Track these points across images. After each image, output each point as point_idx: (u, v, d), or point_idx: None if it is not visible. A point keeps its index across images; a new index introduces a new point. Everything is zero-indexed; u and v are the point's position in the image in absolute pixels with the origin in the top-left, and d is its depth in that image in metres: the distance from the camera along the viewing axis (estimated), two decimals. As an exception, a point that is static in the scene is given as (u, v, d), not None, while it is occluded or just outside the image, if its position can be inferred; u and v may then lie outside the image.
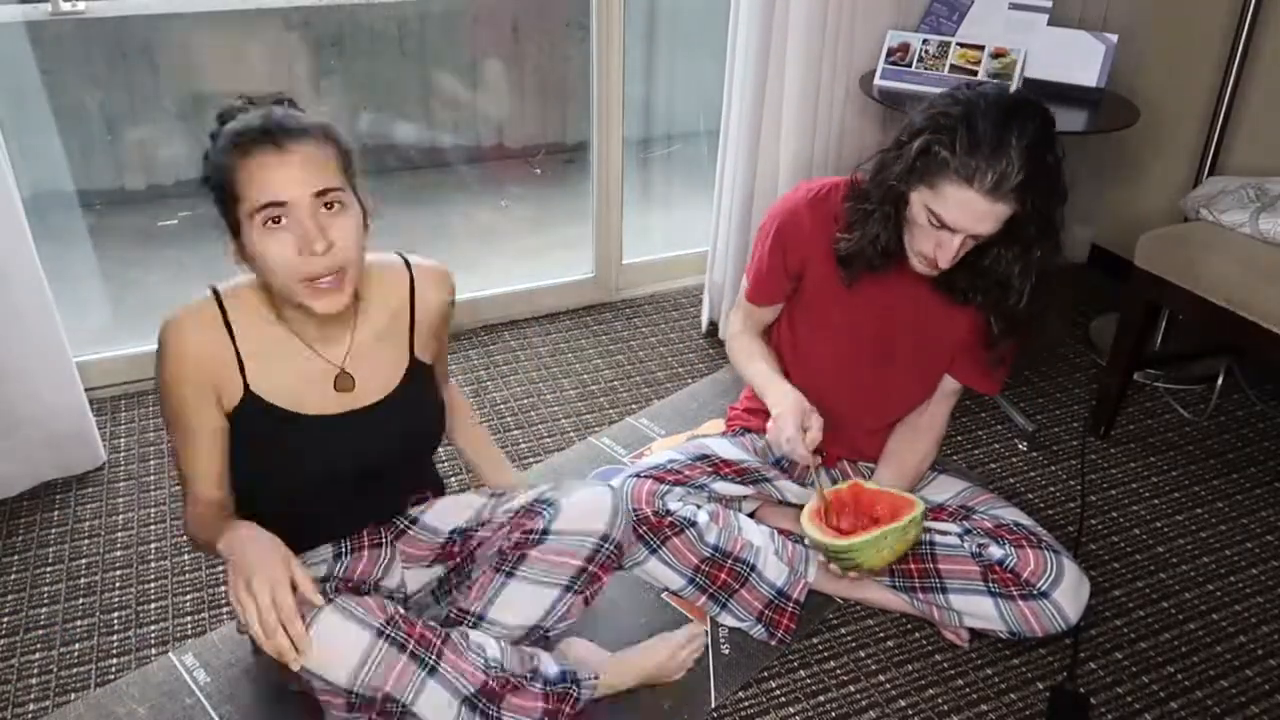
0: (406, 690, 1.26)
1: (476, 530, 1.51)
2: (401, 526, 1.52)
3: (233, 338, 1.29)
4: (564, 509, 1.44)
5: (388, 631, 1.26)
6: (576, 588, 1.42)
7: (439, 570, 1.54)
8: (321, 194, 1.20)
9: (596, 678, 1.46)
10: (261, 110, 1.24)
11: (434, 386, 1.49)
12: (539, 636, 1.45)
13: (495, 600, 1.42)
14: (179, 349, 1.27)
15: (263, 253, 1.21)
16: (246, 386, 1.30)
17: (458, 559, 1.52)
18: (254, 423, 1.32)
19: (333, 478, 1.39)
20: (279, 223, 1.19)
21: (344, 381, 1.36)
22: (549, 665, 1.42)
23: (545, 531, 1.42)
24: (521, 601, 1.41)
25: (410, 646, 1.27)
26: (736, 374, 2.36)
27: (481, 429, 1.75)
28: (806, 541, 1.63)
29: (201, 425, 1.30)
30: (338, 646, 1.23)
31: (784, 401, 1.61)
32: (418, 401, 1.44)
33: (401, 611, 1.30)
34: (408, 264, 1.43)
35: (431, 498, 1.56)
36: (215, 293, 1.31)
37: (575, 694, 1.41)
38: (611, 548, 1.44)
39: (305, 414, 1.34)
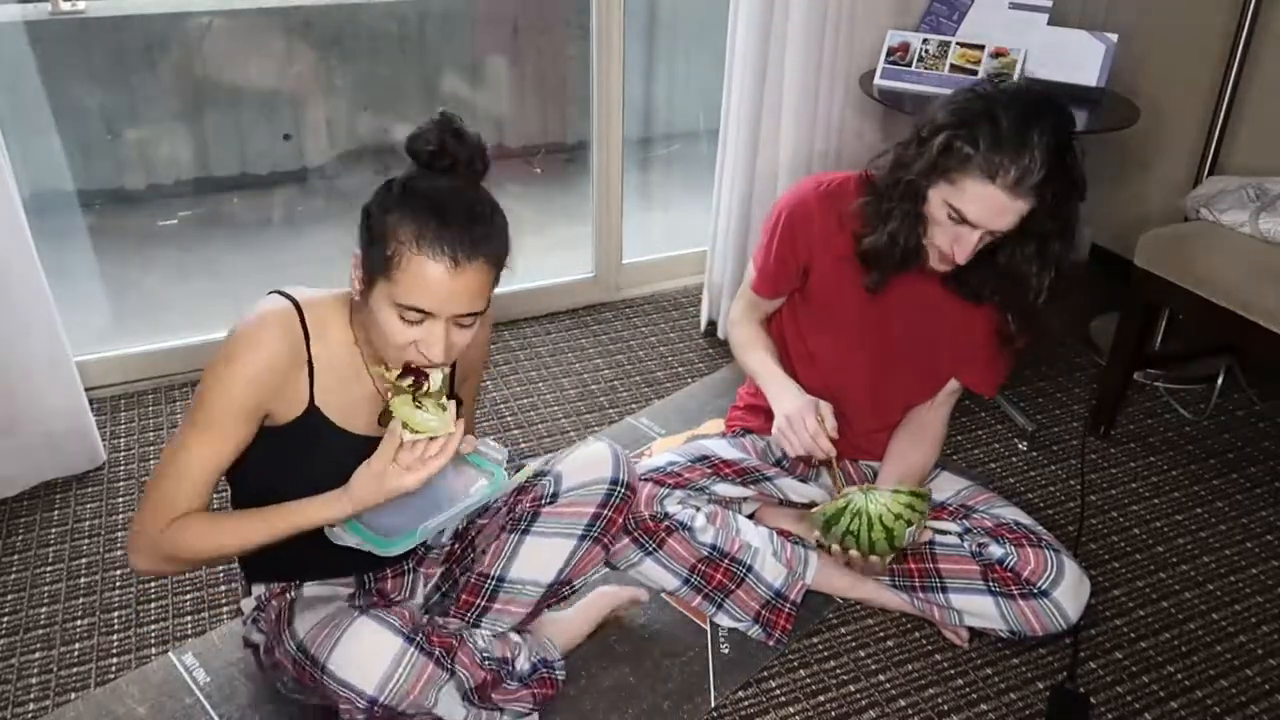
0: (430, 694, 1.29)
1: (475, 521, 1.52)
2: (421, 553, 1.54)
3: (309, 351, 1.27)
4: (566, 470, 1.45)
5: (417, 639, 1.29)
6: (594, 534, 1.44)
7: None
8: (464, 316, 1.19)
9: (565, 658, 1.53)
10: (458, 201, 1.16)
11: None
12: (564, 593, 1.48)
13: (514, 559, 1.43)
14: (258, 353, 1.22)
15: (384, 326, 1.18)
16: (312, 399, 1.28)
17: (460, 552, 1.53)
18: (308, 434, 1.29)
19: None
20: (414, 322, 1.17)
21: (388, 417, 1.30)
22: (523, 661, 1.45)
23: (555, 495, 1.44)
24: (540, 556, 1.43)
25: (435, 653, 1.30)
26: (736, 371, 2.37)
27: None
28: (813, 530, 1.61)
29: (236, 434, 1.25)
30: (369, 655, 1.25)
31: (791, 398, 1.61)
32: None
33: (424, 620, 1.34)
34: None
35: None
36: (294, 302, 1.27)
37: (552, 676, 1.49)
38: (623, 490, 1.45)
39: (355, 433, 1.32)
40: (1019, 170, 1.36)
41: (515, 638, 1.47)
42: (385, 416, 1.31)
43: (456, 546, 1.53)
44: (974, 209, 1.41)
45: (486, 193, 1.22)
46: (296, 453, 1.30)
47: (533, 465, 1.53)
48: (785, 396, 1.63)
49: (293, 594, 1.42)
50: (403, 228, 1.14)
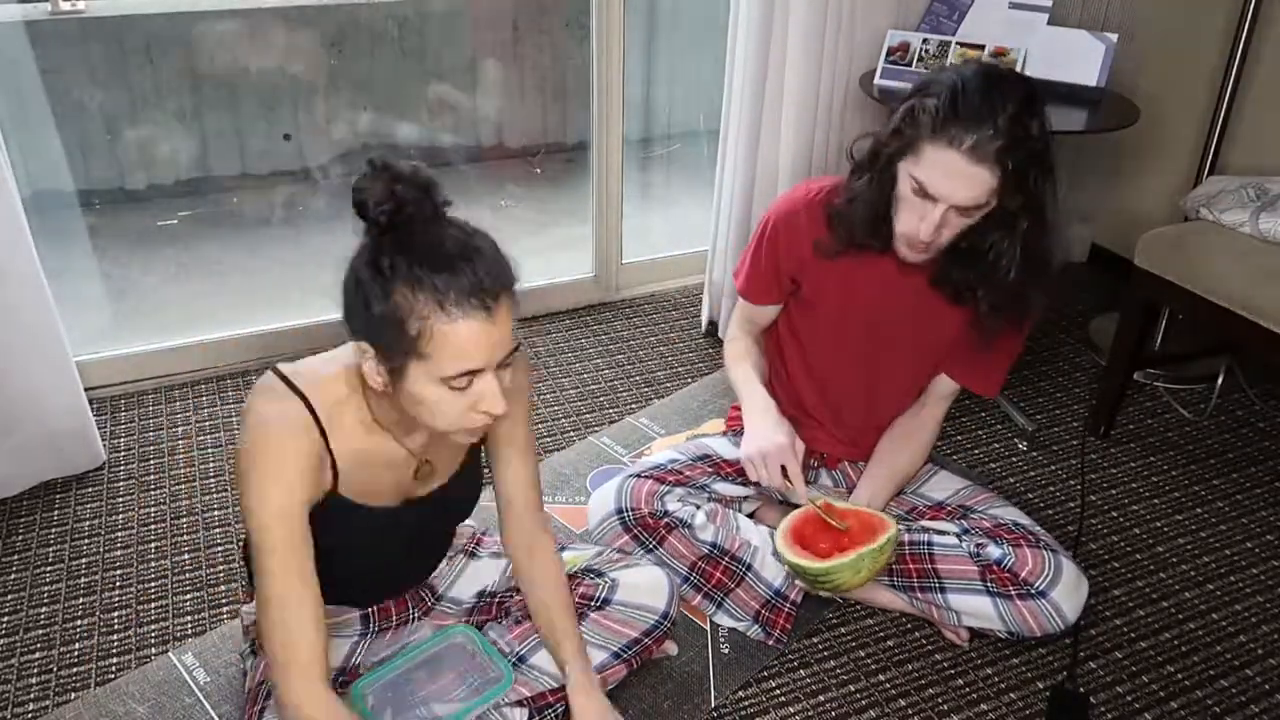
0: None
1: (512, 595, 1.49)
2: (429, 603, 1.51)
3: (326, 440, 1.17)
4: (623, 584, 1.45)
5: None
6: (626, 656, 1.44)
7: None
8: (508, 355, 1.12)
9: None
10: (453, 246, 1.07)
11: (479, 461, 1.41)
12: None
13: (543, 647, 1.40)
14: (282, 458, 1.12)
15: (434, 405, 1.11)
16: (335, 488, 1.21)
17: (490, 618, 1.49)
18: (331, 517, 1.22)
19: (383, 554, 1.33)
20: (463, 388, 1.10)
21: (425, 470, 1.28)
22: None
23: (606, 601, 1.43)
24: None
25: None
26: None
27: (561, 593, 1.41)
28: (784, 565, 1.64)
29: (302, 539, 1.16)
30: None
31: (762, 430, 1.62)
32: (471, 476, 1.39)
33: None
34: None
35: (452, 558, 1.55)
36: (297, 391, 1.15)
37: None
38: (667, 624, 1.47)
39: (374, 506, 1.26)
40: (976, 136, 1.34)
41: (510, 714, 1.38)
42: (424, 469, 1.28)
43: (490, 608, 1.50)
44: (934, 177, 1.39)
45: (462, 221, 1.12)
46: (325, 534, 1.21)
47: (579, 557, 1.52)
48: (757, 425, 1.63)
49: None
50: (418, 300, 1.04)
